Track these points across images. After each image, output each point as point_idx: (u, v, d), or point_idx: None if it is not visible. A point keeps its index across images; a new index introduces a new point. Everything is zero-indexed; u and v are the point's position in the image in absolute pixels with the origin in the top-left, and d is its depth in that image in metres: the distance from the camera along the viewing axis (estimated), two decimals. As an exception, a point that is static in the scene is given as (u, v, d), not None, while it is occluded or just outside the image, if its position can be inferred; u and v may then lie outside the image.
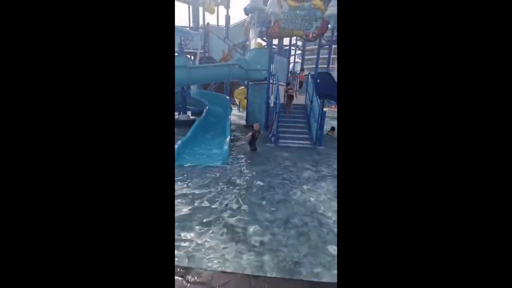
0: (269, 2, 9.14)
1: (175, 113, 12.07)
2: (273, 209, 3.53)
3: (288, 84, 9.80)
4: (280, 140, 8.00)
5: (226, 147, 6.41)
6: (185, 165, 5.33)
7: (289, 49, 14.17)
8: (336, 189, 4.37)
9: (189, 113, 12.67)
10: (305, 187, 4.45)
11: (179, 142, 6.30)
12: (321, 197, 4.01)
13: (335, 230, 3.04)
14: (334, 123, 11.18)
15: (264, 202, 3.73)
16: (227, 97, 12.81)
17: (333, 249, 2.64)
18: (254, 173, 5.05)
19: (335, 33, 10.23)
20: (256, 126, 6.91)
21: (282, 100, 9.26)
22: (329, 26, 9.08)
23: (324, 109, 8.76)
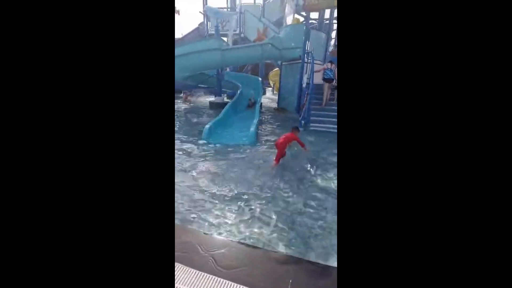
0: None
1: (212, 97, 12.17)
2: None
3: (330, 63, 7.79)
4: (311, 124, 7.45)
5: (252, 129, 6.72)
6: (211, 144, 5.94)
7: (330, 23, 13.01)
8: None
9: (224, 96, 12.47)
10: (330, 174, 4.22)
11: (211, 122, 6.93)
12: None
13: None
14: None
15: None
16: (259, 79, 13.00)
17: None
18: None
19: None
20: None
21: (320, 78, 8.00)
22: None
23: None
